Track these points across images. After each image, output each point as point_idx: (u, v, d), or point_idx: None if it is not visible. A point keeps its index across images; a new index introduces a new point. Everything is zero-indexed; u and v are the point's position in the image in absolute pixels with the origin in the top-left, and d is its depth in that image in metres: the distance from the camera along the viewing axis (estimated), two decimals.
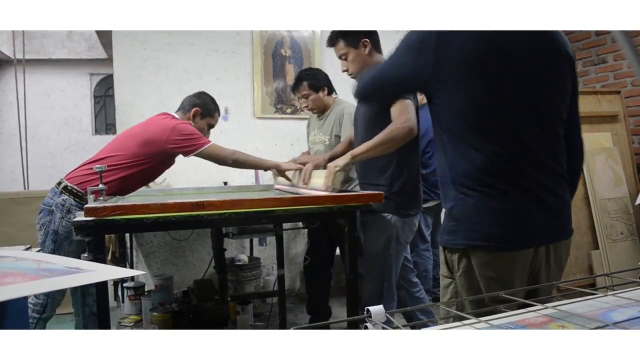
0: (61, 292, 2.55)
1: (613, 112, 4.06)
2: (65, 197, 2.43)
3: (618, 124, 4.07)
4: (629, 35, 0.79)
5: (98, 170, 2.05)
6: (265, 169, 2.78)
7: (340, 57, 2.41)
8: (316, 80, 3.15)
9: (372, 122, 2.27)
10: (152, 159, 2.54)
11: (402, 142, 2.12)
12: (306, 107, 3.27)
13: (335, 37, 2.37)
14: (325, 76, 3.24)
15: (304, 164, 2.48)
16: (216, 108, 2.86)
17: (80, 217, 1.65)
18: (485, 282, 1.27)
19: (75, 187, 2.44)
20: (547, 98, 1.32)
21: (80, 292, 2.63)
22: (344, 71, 2.44)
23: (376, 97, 1.80)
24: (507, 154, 1.26)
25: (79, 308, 2.65)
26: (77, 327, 2.71)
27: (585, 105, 3.96)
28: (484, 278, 1.27)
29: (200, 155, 2.56)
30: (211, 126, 2.86)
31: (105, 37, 4.96)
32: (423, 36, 1.28)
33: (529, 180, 1.27)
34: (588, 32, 4.60)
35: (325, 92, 3.17)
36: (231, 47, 4.33)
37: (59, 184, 2.48)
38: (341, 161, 2.05)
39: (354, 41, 2.34)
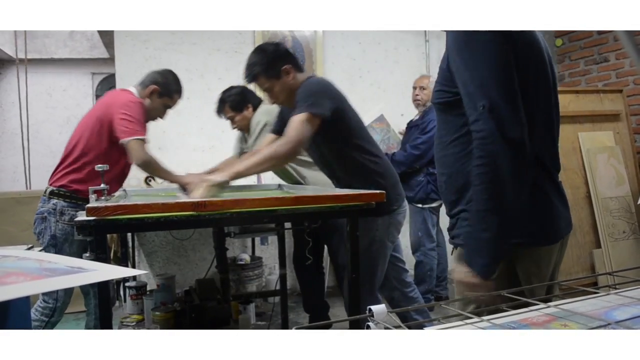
0: (69, 296, 2.55)
1: (615, 111, 4.06)
2: (54, 201, 2.44)
3: (620, 123, 4.06)
4: (632, 34, 0.79)
5: (100, 169, 2.05)
6: (169, 181, 2.66)
7: (264, 91, 2.35)
8: (237, 101, 3.07)
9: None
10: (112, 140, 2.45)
11: (285, 159, 2.12)
12: (235, 128, 3.18)
13: (255, 74, 2.28)
14: (250, 92, 3.15)
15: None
16: (178, 90, 2.71)
17: (81, 216, 1.65)
18: (527, 278, 1.23)
19: (61, 189, 2.45)
20: (555, 95, 1.34)
21: (93, 293, 2.63)
22: (272, 103, 2.40)
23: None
24: (541, 147, 1.25)
25: (92, 308, 2.66)
26: (87, 326, 2.73)
27: (588, 104, 3.96)
28: (529, 275, 1.23)
29: (125, 146, 2.42)
30: (168, 107, 2.72)
31: (107, 37, 4.96)
32: (497, 33, 1.14)
33: (552, 175, 1.29)
34: (590, 31, 4.59)
35: (250, 109, 3.08)
36: (233, 47, 4.33)
37: (45, 191, 2.50)
38: (218, 177, 2.03)
39: (275, 72, 2.26)
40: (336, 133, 2.22)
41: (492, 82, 1.14)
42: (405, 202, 2.43)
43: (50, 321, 2.43)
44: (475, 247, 1.19)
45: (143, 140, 2.42)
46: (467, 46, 1.19)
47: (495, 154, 1.12)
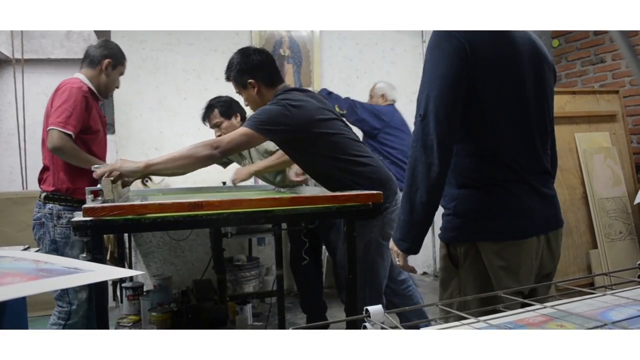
0: (85, 296, 2.51)
1: (611, 112, 4.06)
2: (50, 205, 2.43)
3: (616, 124, 4.07)
4: (627, 35, 0.80)
5: (95, 169, 2.03)
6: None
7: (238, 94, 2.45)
8: (227, 107, 3.10)
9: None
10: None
11: (201, 163, 2.11)
12: (219, 136, 3.14)
13: (227, 76, 2.38)
14: (237, 104, 3.15)
15: None
16: (124, 55, 2.71)
17: (78, 217, 1.65)
18: (494, 272, 1.34)
19: (55, 192, 2.44)
20: (542, 102, 1.42)
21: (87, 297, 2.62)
22: (246, 106, 2.52)
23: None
24: (510, 153, 1.35)
25: (86, 311, 2.65)
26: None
27: (584, 104, 3.97)
28: (494, 267, 1.34)
29: (49, 133, 2.36)
30: (121, 74, 2.71)
31: (104, 37, 4.95)
32: (456, 45, 1.28)
33: (528, 175, 1.37)
34: (586, 32, 4.60)
35: (238, 118, 3.11)
36: (230, 47, 4.33)
37: (40, 196, 2.49)
38: (130, 165, 2.04)
39: (241, 82, 2.33)
40: (311, 148, 2.24)
41: (433, 93, 1.29)
42: (398, 198, 2.40)
43: (67, 324, 2.42)
44: (397, 225, 1.44)
45: (63, 132, 2.34)
46: (429, 55, 1.35)
47: (417, 159, 1.32)
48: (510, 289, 0.86)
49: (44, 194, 2.46)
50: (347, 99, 3.78)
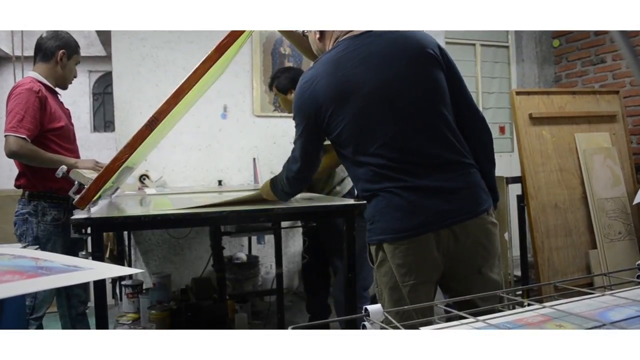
0: (51, 291, 2.51)
1: (612, 112, 4.06)
2: (35, 202, 2.43)
3: (616, 124, 4.06)
4: (627, 35, 0.80)
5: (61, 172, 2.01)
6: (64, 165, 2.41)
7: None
8: (284, 84, 3.10)
9: None
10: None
11: None
12: (278, 106, 3.30)
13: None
14: (291, 77, 3.11)
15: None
16: (77, 43, 2.67)
17: (78, 214, 1.64)
18: (395, 269, 1.49)
19: (39, 191, 2.44)
20: (413, 102, 1.49)
21: (65, 294, 2.60)
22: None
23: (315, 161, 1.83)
24: (387, 160, 1.48)
25: (65, 310, 2.63)
26: (63, 329, 2.69)
27: (584, 104, 3.96)
28: (394, 265, 1.49)
29: (5, 140, 2.33)
30: (77, 63, 2.68)
31: (104, 35, 4.94)
32: (300, 103, 1.61)
33: (413, 177, 1.46)
34: (587, 32, 4.61)
35: (292, 93, 3.13)
36: None
37: (23, 195, 2.48)
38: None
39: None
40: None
41: (297, 145, 1.69)
42: None
43: (31, 319, 2.38)
44: (276, 189, 1.85)
45: (17, 137, 2.31)
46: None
47: (282, 176, 1.80)
48: (510, 289, 0.86)
49: (27, 192, 2.46)
50: None
